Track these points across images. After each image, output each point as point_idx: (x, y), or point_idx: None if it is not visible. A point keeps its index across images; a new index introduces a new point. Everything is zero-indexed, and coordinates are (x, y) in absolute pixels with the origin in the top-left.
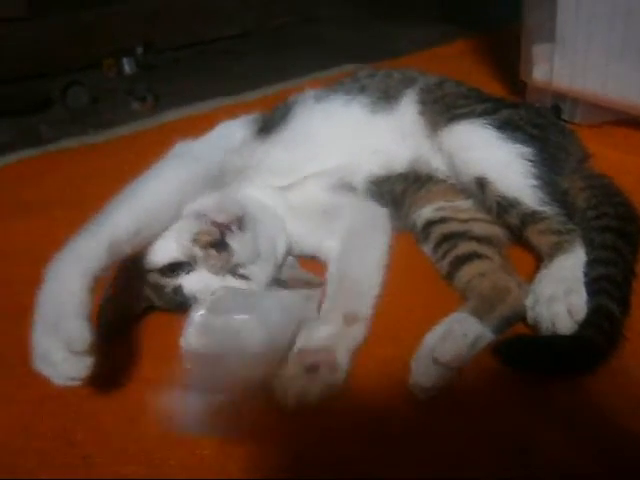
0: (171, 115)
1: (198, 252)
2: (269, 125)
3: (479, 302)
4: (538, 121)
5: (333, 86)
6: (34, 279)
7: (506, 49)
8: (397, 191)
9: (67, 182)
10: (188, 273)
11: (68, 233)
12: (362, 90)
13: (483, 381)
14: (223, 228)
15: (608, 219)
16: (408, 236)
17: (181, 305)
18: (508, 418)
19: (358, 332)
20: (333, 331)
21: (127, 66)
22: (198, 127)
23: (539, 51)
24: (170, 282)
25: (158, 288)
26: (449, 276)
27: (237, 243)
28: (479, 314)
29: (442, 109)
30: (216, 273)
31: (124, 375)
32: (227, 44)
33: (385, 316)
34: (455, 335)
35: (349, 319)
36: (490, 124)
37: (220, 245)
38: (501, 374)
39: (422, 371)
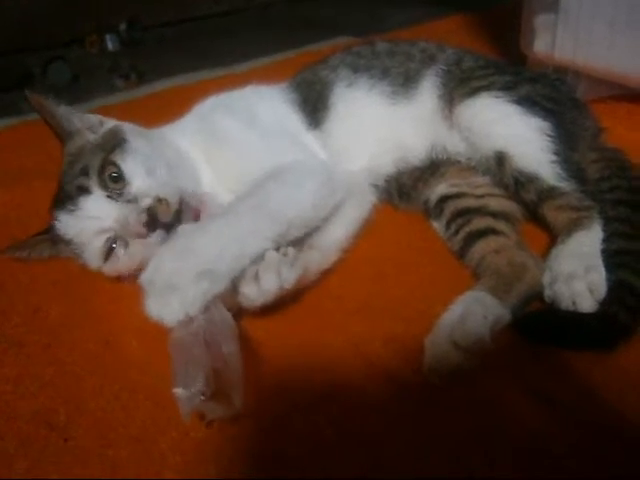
0: (152, 87)
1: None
2: (314, 110)
3: (496, 280)
4: (555, 95)
5: (357, 60)
6: None
7: (501, 25)
8: (408, 181)
9: (47, 153)
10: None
11: (47, 203)
12: (385, 74)
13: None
14: None
15: (621, 192)
16: (411, 216)
17: None
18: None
19: (311, 256)
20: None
21: (110, 43)
22: (182, 98)
23: (541, 22)
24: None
25: None
26: (461, 252)
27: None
28: (497, 293)
29: (460, 84)
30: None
31: (109, 353)
32: (214, 22)
33: (389, 293)
34: (475, 317)
35: (304, 247)
36: (510, 100)
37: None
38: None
39: (440, 356)
